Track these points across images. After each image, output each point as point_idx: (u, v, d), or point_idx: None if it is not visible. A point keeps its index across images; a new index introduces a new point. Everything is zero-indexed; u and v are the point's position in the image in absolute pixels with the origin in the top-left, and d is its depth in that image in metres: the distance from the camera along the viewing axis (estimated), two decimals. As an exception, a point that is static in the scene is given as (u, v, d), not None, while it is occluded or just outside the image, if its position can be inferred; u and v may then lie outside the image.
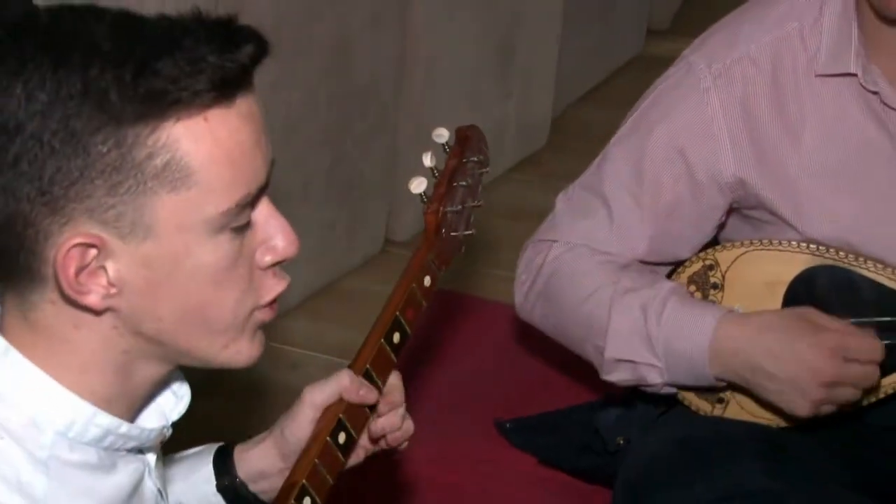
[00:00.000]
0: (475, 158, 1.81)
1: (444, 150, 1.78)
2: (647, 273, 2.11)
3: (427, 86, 3.01)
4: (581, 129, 2.74)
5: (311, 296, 2.83)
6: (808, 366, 1.97)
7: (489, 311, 2.77)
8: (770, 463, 2.03)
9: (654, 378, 2.06)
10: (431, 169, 1.76)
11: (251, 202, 1.24)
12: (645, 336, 2.04)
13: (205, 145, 1.19)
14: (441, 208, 1.74)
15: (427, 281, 1.70)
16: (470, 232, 1.80)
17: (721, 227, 2.14)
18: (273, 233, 1.28)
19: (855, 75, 1.98)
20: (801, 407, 1.99)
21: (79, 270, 1.19)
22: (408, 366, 1.72)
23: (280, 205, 1.34)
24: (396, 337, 1.64)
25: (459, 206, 1.77)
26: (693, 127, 2.06)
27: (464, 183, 1.78)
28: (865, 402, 2.06)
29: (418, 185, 1.76)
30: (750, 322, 2.02)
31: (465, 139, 1.80)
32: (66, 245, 1.18)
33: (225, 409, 2.18)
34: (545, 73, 3.37)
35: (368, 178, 2.90)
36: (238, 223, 1.23)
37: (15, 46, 1.18)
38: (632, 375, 2.07)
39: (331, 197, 2.83)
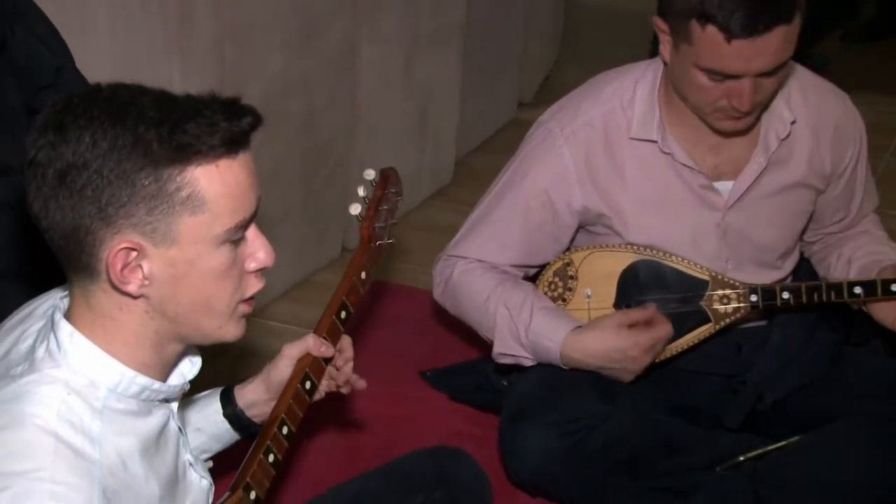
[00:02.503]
0: (394, 190, 1.86)
1: (372, 184, 1.82)
2: (518, 284, 2.11)
3: (369, 143, 3.00)
4: (475, 171, 2.74)
5: (290, 287, 2.83)
6: (632, 361, 2.02)
7: (408, 294, 2.76)
8: (603, 395, 2.04)
9: (528, 363, 2.09)
10: (364, 198, 1.79)
11: (245, 225, 1.26)
12: (519, 342, 2.07)
13: (215, 184, 1.20)
14: (371, 225, 1.78)
15: (363, 275, 1.72)
16: (391, 241, 1.83)
17: (572, 239, 2.13)
18: (258, 247, 1.29)
19: (655, 141, 2.00)
20: (627, 379, 2.05)
21: (123, 267, 1.20)
22: (353, 333, 1.72)
23: (267, 226, 1.37)
24: (343, 314, 1.67)
25: (383, 224, 1.80)
26: (552, 172, 2.06)
27: (386, 207, 1.82)
28: (669, 356, 2.08)
29: (355, 209, 1.80)
30: (585, 336, 2.03)
31: (387, 177, 1.85)
32: (115, 248, 1.19)
33: (227, 367, 2.17)
34: (449, 132, 3.37)
35: (329, 206, 2.89)
36: (235, 238, 1.25)
37: (86, 109, 1.18)
38: (513, 361, 2.11)
39: (304, 220, 2.82)
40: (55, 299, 1.32)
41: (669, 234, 2.05)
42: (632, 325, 2.01)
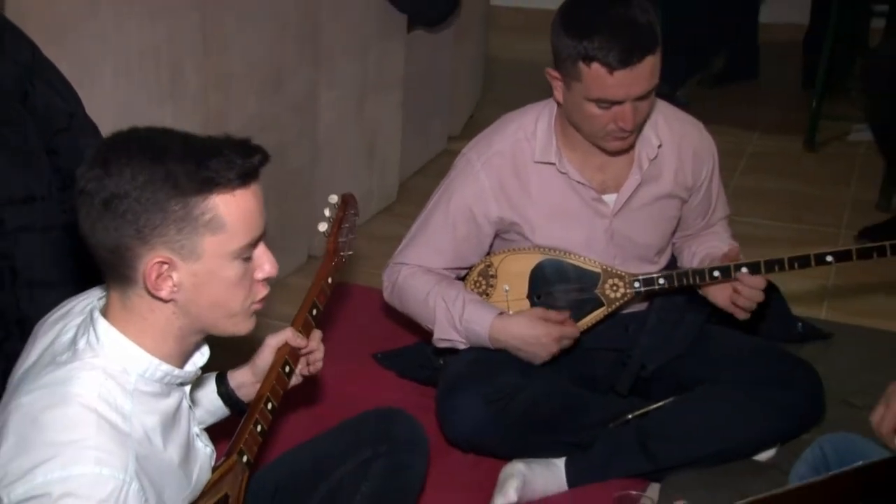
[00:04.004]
0: (353, 211, 1.87)
1: (335, 206, 1.82)
2: (452, 283, 2.10)
3: (328, 170, 2.99)
4: (415, 191, 2.75)
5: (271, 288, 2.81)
6: (543, 347, 2.02)
7: (363, 292, 2.75)
8: (522, 370, 2.05)
9: (461, 346, 2.08)
10: (329, 217, 1.81)
11: (255, 243, 1.28)
12: (455, 328, 2.06)
13: (233, 209, 1.22)
14: (335, 240, 1.79)
15: (329, 280, 1.73)
16: (351, 252, 1.83)
17: (491, 245, 2.13)
18: (265, 261, 1.31)
19: (554, 164, 2.01)
20: (537, 362, 2.04)
21: (157, 277, 1.21)
22: (322, 326, 1.71)
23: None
24: (314, 312, 1.66)
25: (345, 238, 1.81)
26: (473, 193, 2.06)
27: (347, 225, 1.83)
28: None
29: (322, 227, 1.81)
30: (509, 322, 2.03)
31: (347, 201, 1.86)
32: (151, 262, 1.20)
33: (225, 355, 2.15)
34: (393, 160, 3.37)
35: (297, 222, 2.87)
36: (247, 254, 1.26)
37: (126, 148, 1.19)
38: (449, 345, 2.10)
39: (277, 233, 2.79)
40: (93, 300, 1.32)
41: (568, 237, 2.06)
42: (547, 320, 2.02)
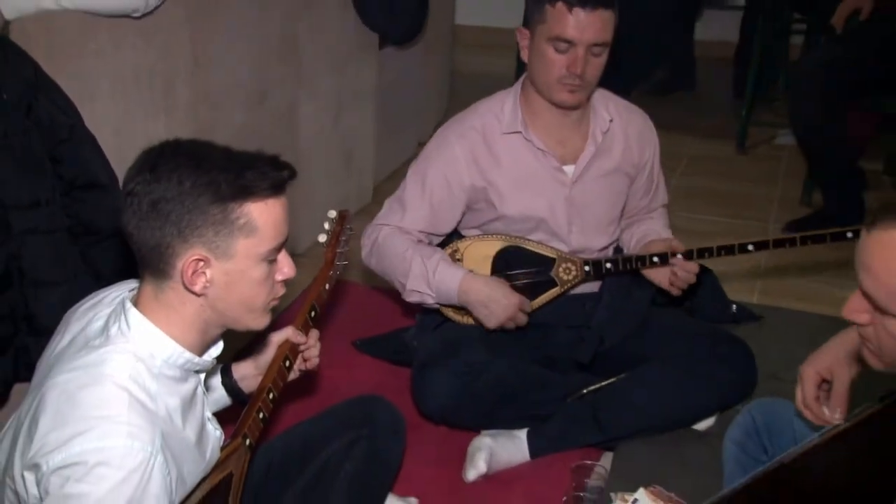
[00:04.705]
0: (349, 226, 1.87)
1: (333, 221, 1.83)
2: (429, 247, 2.10)
3: (309, 176, 2.98)
4: (389, 193, 2.74)
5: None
6: (502, 308, 2.01)
7: (343, 287, 2.73)
8: (489, 347, 2.05)
9: (430, 301, 2.07)
10: (327, 230, 1.81)
11: (280, 247, 1.28)
12: (427, 281, 2.04)
13: (264, 216, 1.23)
14: (333, 250, 1.79)
15: (327, 286, 1.72)
16: (346, 262, 1.83)
17: (463, 214, 2.12)
18: (285, 264, 1.31)
19: (520, 132, 2.03)
20: (491, 324, 2.03)
21: (193, 273, 1.21)
22: (319, 325, 1.70)
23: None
24: (313, 314, 1.65)
25: (341, 250, 1.81)
26: (448, 163, 2.06)
27: (343, 238, 1.83)
28: (531, 309, 2.07)
29: (321, 237, 1.81)
30: (477, 279, 2.03)
31: (343, 216, 1.87)
32: (189, 259, 1.21)
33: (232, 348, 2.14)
34: (368, 166, 3.36)
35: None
36: (272, 257, 1.27)
37: (173, 156, 1.20)
38: (419, 299, 2.07)
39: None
40: (123, 292, 1.32)
41: (532, 204, 2.06)
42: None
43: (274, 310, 1.34)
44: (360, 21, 3.05)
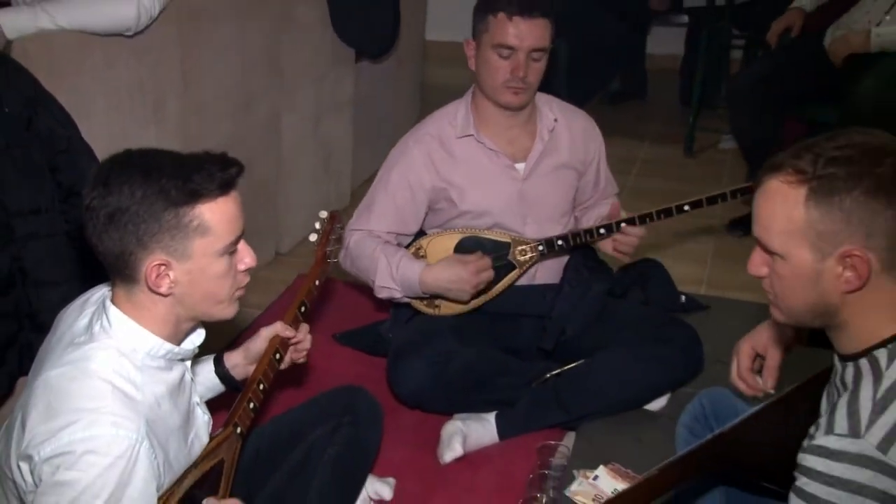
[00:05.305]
0: (339, 225, 1.86)
1: (324, 221, 1.82)
2: (393, 246, 2.10)
3: (291, 181, 2.98)
4: (364, 195, 2.76)
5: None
6: (464, 280, 2.00)
7: (332, 285, 2.72)
8: (459, 337, 2.06)
9: (398, 295, 2.07)
10: (318, 230, 1.80)
11: (237, 241, 1.26)
12: (392, 277, 2.04)
13: (216, 215, 1.21)
14: (323, 249, 1.78)
15: (317, 283, 1.70)
16: (336, 260, 1.82)
17: (426, 215, 2.13)
18: (245, 254, 1.29)
19: (472, 135, 2.05)
20: (464, 299, 2.04)
21: (157, 276, 1.20)
22: (308, 319, 1.70)
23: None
24: (303, 309, 1.64)
25: (331, 248, 1.80)
26: (408, 167, 2.08)
27: (334, 237, 1.82)
28: (495, 294, 2.09)
29: (312, 236, 1.80)
30: (433, 268, 2.02)
31: (334, 217, 1.85)
32: (151, 264, 1.19)
33: (218, 340, 2.13)
34: (345, 171, 3.35)
35: (265, 225, 2.86)
36: (231, 251, 1.26)
37: (123, 169, 1.18)
38: (389, 294, 2.07)
39: (248, 235, 2.78)
40: (104, 292, 1.31)
41: (488, 200, 2.06)
42: (464, 262, 2.02)
43: (244, 301, 1.33)
44: (338, 37, 3.06)
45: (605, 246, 2.12)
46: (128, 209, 1.16)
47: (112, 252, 1.20)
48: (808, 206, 1.07)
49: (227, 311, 1.30)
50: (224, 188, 1.21)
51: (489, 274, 2.03)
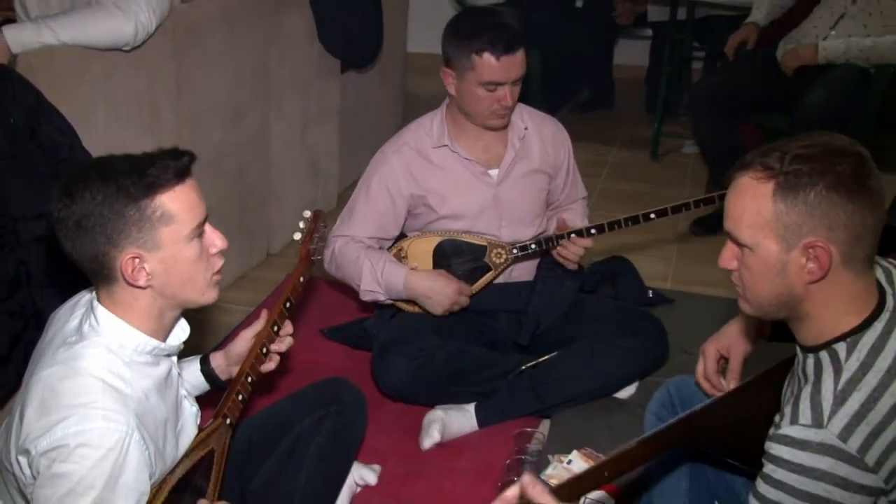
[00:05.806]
0: (323, 224, 1.84)
1: (308, 220, 1.80)
2: (377, 250, 2.10)
3: (280, 186, 2.98)
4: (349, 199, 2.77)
5: (233, 280, 2.77)
6: (444, 296, 2.03)
7: (311, 282, 2.72)
8: (439, 333, 2.06)
9: (382, 298, 2.08)
10: (302, 229, 1.78)
11: (202, 224, 1.25)
12: (377, 281, 2.05)
13: (177, 203, 1.20)
14: (307, 247, 1.76)
15: (301, 280, 1.69)
16: (319, 257, 1.81)
17: (405, 220, 2.13)
18: (215, 237, 1.29)
19: (447, 146, 2.05)
20: (437, 312, 2.05)
21: (132, 270, 1.19)
22: (291, 315, 1.70)
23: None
24: (288, 305, 1.62)
25: (314, 246, 1.78)
26: (387, 175, 2.08)
27: (317, 235, 1.80)
28: (472, 293, 2.08)
29: (296, 234, 1.78)
30: (419, 274, 2.04)
31: (317, 216, 1.84)
32: (124, 260, 1.19)
33: (202, 338, 2.12)
34: (332, 176, 3.34)
35: (256, 227, 2.86)
36: (198, 234, 1.24)
37: (82, 178, 1.17)
38: (373, 297, 2.08)
39: (240, 237, 2.78)
40: (92, 294, 1.30)
41: (464, 205, 2.07)
42: (449, 279, 2.04)
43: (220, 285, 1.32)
44: (324, 49, 3.06)
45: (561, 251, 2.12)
46: (92, 213, 1.15)
47: (87, 257, 1.19)
48: (775, 200, 1.09)
49: (207, 297, 1.28)
50: (179, 176, 1.20)
51: (465, 301, 2.06)
